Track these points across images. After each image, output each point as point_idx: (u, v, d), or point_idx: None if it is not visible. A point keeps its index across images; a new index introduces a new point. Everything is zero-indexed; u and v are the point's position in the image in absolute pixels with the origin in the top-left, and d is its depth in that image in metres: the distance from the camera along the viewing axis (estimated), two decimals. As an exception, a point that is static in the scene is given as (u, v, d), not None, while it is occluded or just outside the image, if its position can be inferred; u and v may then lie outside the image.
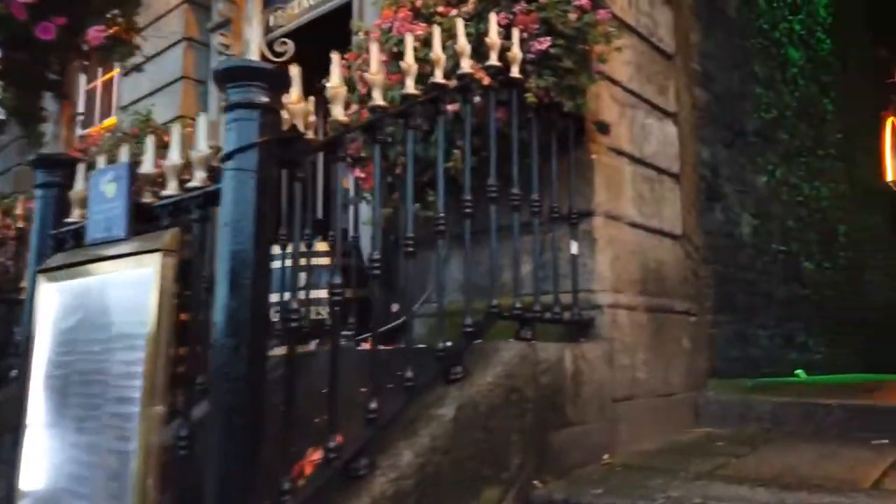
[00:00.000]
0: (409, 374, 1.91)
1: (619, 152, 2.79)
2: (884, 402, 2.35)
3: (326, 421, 1.70)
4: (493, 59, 2.30)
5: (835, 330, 5.88)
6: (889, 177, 7.43)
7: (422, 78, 2.15)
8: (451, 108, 2.35)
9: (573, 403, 2.21)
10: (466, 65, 2.23)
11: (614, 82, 2.79)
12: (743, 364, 4.12)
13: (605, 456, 2.35)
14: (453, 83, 2.22)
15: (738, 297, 4.20)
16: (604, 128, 2.71)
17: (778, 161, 5.07)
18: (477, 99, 2.34)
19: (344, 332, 2.62)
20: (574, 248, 2.54)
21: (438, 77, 2.13)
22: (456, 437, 1.84)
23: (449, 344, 2.04)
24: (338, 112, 1.88)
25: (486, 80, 2.30)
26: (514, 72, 2.38)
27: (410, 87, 2.05)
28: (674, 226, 2.96)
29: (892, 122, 7.83)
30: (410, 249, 2.01)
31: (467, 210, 2.18)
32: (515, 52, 2.38)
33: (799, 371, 4.82)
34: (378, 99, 1.96)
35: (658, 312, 2.79)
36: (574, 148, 2.62)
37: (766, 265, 4.63)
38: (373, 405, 1.79)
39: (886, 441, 2.42)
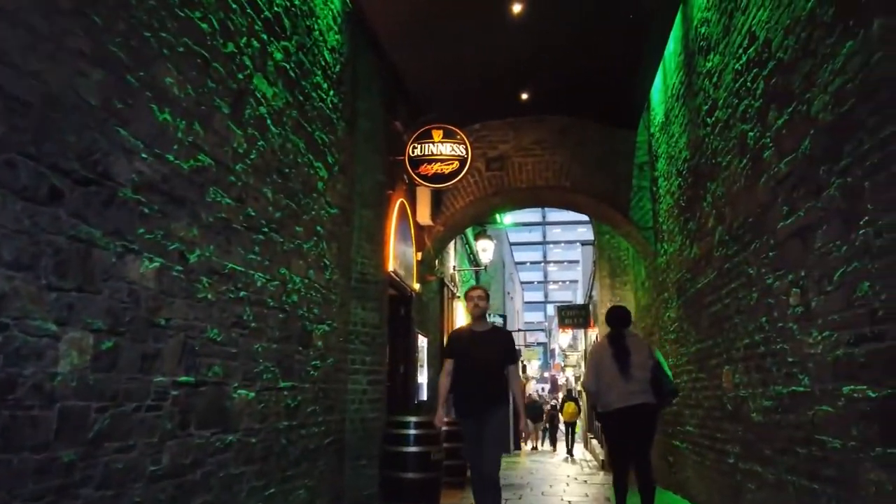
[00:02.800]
0: None
1: None
2: None
3: None
4: None
5: (281, 478, 4.27)
6: (391, 265, 6.58)
7: None
8: None
9: None
10: None
11: None
12: None
13: None
14: None
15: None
16: None
17: (199, 235, 3.21)
18: None
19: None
20: None
21: None
22: None
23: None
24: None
25: None
26: None
27: None
28: None
29: (401, 204, 7.15)
30: None
31: None
32: None
33: None
34: None
35: None
36: None
37: (129, 419, 2.61)
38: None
39: None
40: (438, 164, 6.69)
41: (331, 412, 5.28)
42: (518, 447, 19.92)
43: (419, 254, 8.12)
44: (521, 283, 50.05)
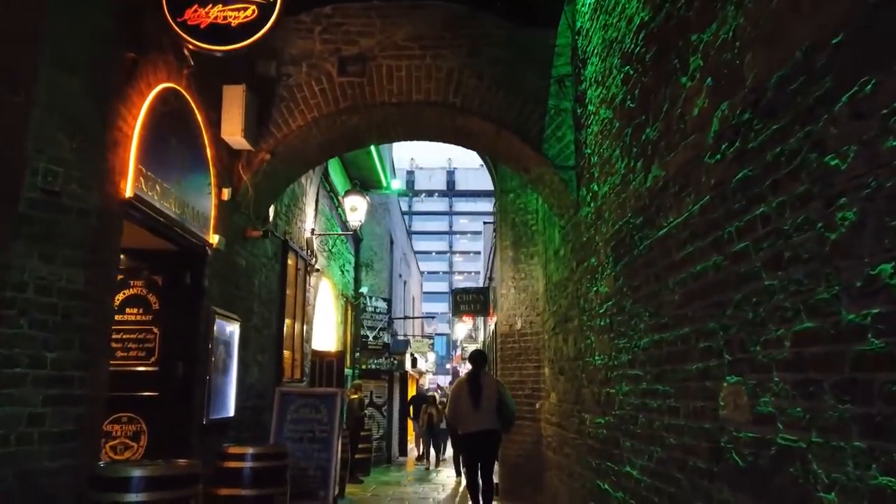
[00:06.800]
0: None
1: None
2: None
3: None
4: None
5: None
6: (131, 188, 3.72)
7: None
8: None
9: None
10: None
11: None
12: None
13: None
14: None
15: None
16: None
17: None
18: None
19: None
20: None
21: None
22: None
23: None
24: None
25: None
26: None
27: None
28: None
29: (172, 94, 4.27)
30: None
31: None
32: None
33: None
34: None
35: None
36: None
37: None
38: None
39: None
40: (220, 6, 3.88)
41: None
42: (404, 454, 17.30)
43: (227, 191, 5.27)
44: (428, 272, 47.54)
